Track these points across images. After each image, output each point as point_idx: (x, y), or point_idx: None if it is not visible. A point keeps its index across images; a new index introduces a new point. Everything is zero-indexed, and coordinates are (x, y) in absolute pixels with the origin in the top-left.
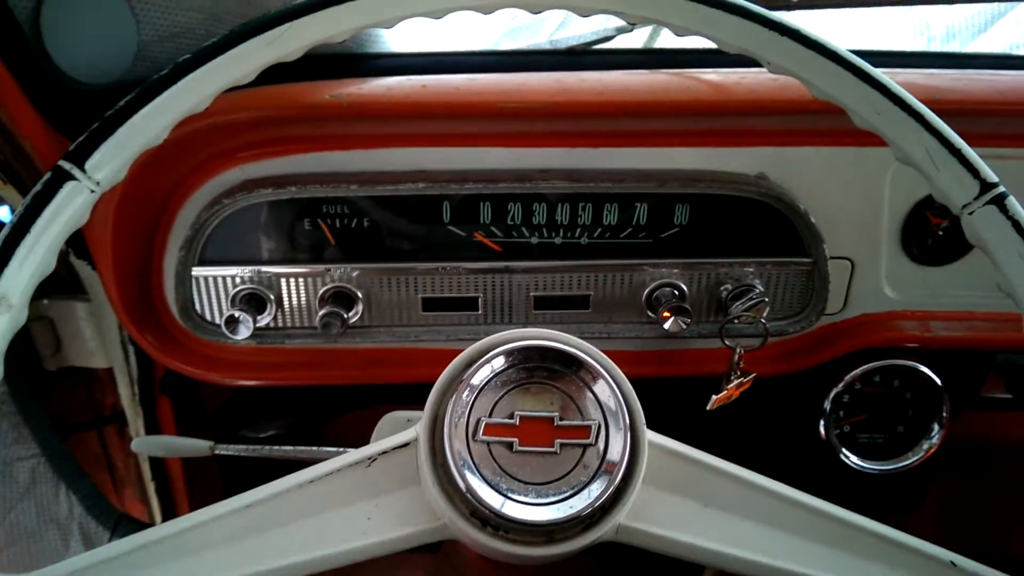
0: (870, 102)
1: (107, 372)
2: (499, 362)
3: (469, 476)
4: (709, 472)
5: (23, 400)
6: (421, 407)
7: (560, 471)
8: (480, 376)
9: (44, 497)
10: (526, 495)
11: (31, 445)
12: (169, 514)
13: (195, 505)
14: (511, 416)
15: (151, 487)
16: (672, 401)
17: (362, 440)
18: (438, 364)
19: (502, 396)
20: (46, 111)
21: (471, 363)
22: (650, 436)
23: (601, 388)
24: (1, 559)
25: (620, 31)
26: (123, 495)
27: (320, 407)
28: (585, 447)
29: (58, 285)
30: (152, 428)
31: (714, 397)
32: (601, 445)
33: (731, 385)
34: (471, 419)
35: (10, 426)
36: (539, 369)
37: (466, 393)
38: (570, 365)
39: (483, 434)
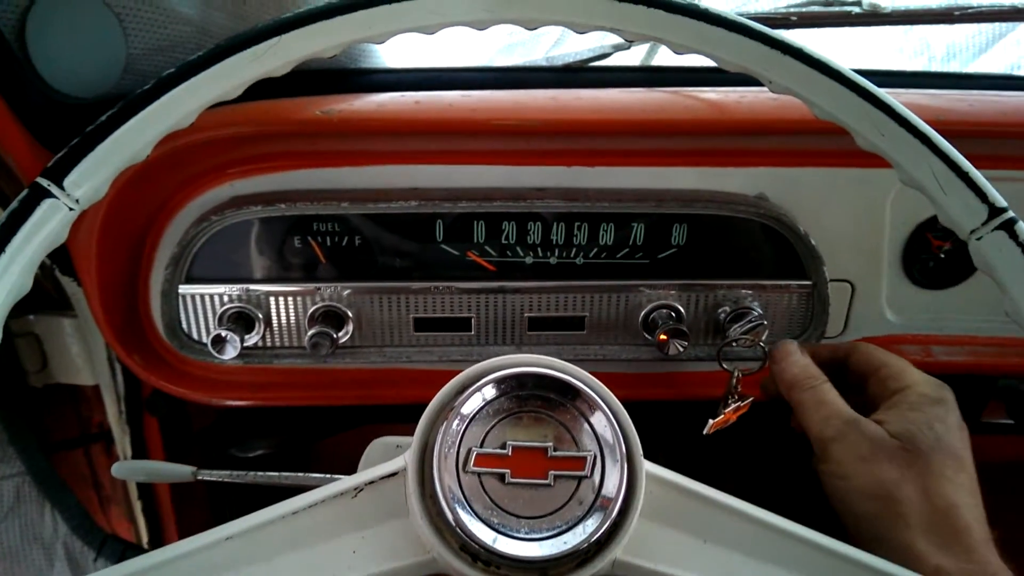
0: (874, 123)
1: (94, 390)
2: (490, 390)
3: (459, 509)
4: (709, 506)
5: (8, 417)
6: (412, 431)
7: (554, 504)
8: (471, 405)
9: (28, 516)
10: (518, 530)
11: (16, 463)
12: (156, 533)
13: (182, 524)
14: (503, 446)
15: (137, 506)
16: (668, 424)
17: (353, 460)
18: (430, 385)
19: (493, 425)
20: (31, 125)
21: (462, 390)
22: (648, 467)
23: (598, 419)
24: None
25: (617, 48)
26: (109, 514)
27: (310, 426)
28: (580, 479)
29: (45, 301)
30: (139, 446)
31: (711, 421)
32: (597, 477)
33: (728, 409)
34: (461, 449)
35: None
36: (533, 398)
37: (456, 422)
38: (566, 394)
39: (474, 465)
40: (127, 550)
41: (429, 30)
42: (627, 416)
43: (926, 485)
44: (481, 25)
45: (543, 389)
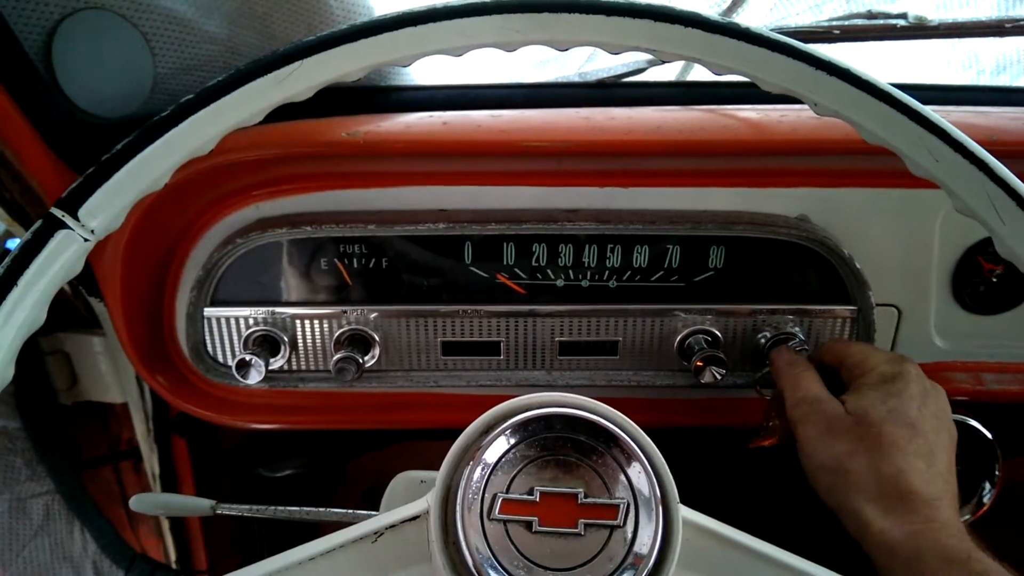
0: (928, 148)
1: (123, 407)
2: (517, 433)
3: (483, 560)
4: (749, 556)
5: (37, 436)
6: (445, 449)
7: (584, 555)
8: (496, 449)
9: (58, 534)
10: None
11: (46, 481)
12: (184, 551)
13: (210, 542)
14: (530, 492)
15: (166, 524)
16: (703, 451)
17: (383, 478)
18: (458, 410)
19: (520, 469)
20: (57, 147)
21: (487, 431)
22: (685, 513)
23: (633, 465)
24: None
25: (652, 63)
26: (138, 532)
27: (337, 446)
28: (612, 528)
29: (74, 318)
30: (167, 464)
31: (755, 438)
32: (630, 528)
33: (762, 437)
34: (486, 495)
35: (24, 462)
36: (562, 440)
37: (482, 465)
38: (598, 437)
39: (499, 512)
40: (156, 571)
41: (456, 52)
42: (663, 461)
43: (875, 455)
44: (510, 47)
45: (574, 431)
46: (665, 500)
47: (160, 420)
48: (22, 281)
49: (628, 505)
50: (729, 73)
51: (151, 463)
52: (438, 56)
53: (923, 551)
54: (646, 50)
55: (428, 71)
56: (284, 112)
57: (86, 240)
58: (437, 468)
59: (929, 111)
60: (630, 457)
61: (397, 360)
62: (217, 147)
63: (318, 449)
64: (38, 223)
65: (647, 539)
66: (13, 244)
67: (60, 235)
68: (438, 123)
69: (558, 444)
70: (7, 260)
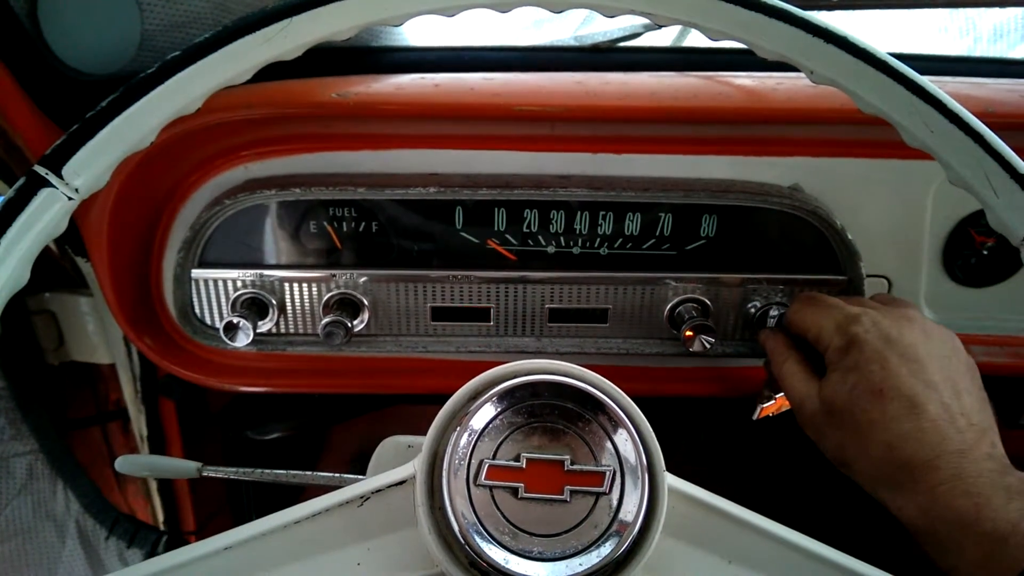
0: (923, 119)
1: (110, 368)
2: (504, 399)
3: (469, 526)
4: (735, 524)
5: (22, 395)
6: (434, 413)
7: (569, 522)
8: (483, 416)
9: (41, 493)
10: (531, 549)
11: (29, 441)
12: (171, 511)
13: (197, 503)
14: (517, 458)
15: (154, 484)
16: (691, 419)
17: (369, 443)
18: (447, 376)
19: (507, 436)
20: (42, 103)
21: (474, 397)
22: (670, 481)
23: (619, 432)
24: None
25: (648, 28)
26: (126, 492)
27: (326, 409)
28: (598, 495)
29: (61, 278)
30: (155, 425)
31: (760, 407)
32: (616, 494)
33: (767, 404)
34: (473, 461)
35: (8, 421)
36: (549, 408)
37: (468, 431)
38: (585, 405)
39: (485, 478)
40: (140, 530)
41: (449, 12)
42: (650, 429)
43: (860, 439)
44: (504, 8)
45: (561, 398)
46: (651, 467)
47: (148, 381)
48: (4, 240)
49: (614, 472)
50: (725, 39)
51: (139, 424)
52: (431, 16)
53: (936, 523)
54: (641, 13)
55: (421, 32)
56: (273, 71)
57: (70, 199)
58: (425, 433)
59: (925, 81)
60: (616, 424)
61: (386, 325)
62: (205, 106)
63: (306, 413)
64: (21, 180)
65: (632, 506)
66: None
67: (43, 193)
68: (430, 85)
69: (545, 411)
70: None
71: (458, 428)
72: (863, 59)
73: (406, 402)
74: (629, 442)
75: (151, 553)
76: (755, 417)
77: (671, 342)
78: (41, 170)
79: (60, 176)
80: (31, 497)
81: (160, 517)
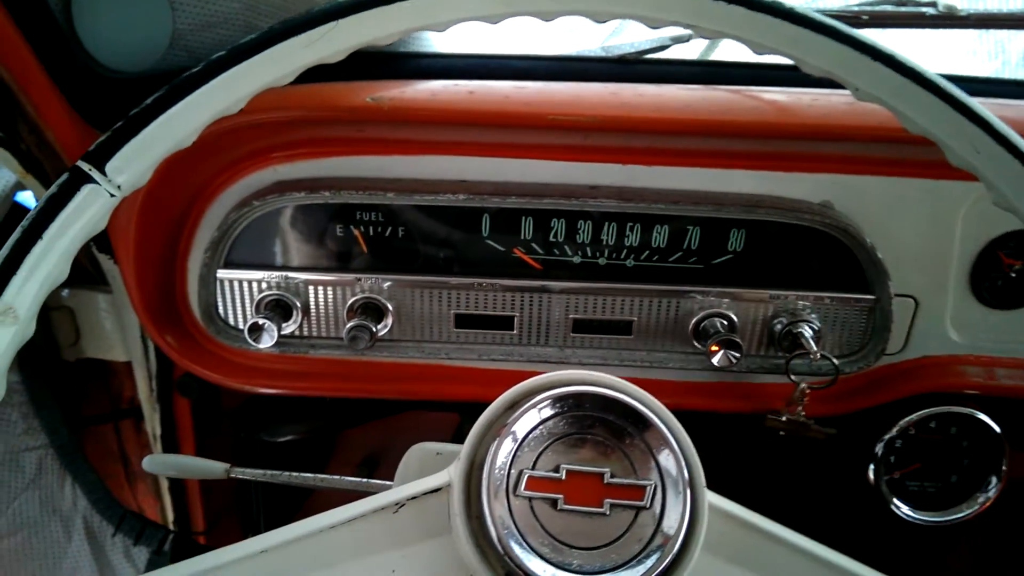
0: (970, 140)
1: (126, 366)
2: (547, 409)
3: (507, 535)
4: (773, 542)
5: (35, 390)
6: (444, 421)
7: (609, 536)
8: (525, 423)
9: (49, 488)
10: (570, 562)
11: (40, 436)
12: (181, 511)
13: (208, 504)
14: (556, 470)
15: (164, 483)
16: (716, 435)
17: (378, 451)
18: (468, 383)
19: (547, 447)
20: (74, 99)
21: (513, 405)
22: (710, 498)
23: (662, 448)
24: (0, 548)
25: (676, 41)
26: (136, 490)
27: (340, 414)
28: (638, 510)
29: (80, 275)
30: (168, 425)
31: (770, 416)
32: (657, 510)
33: (791, 417)
34: (512, 470)
35: (20, 415)
36: (591, 419)
37: (508, 440)
38: (626, 417)
39: (525, 488)
40: (146, 527)
41: (493, 19)
42: (691, 445)
43: None
44: (547, 17)
45: (604, 411)
46: (693, 483)
47: (163, 380)
48: (47, 235)
49: (655, 487)
50: (770, 53)
51: (152, 423)
52: (474, 23)
53: None
54: (686, 25)
55: (448, 39)
56: (306, 75)
57: (112, 196)
58: (437, 439)
59: (974, 102)
60: (660, 440)
61: (409, 331)
62: None
63: (319, 416)
64: (64, 176)
65: (674, 522)
66: (22, 198)
67: (86, 189)
68: (464, 92)
69: (587, 423)
70: (32, 212)
71: (497, 437)
72: (911, 78)
73: (419, 409)
74: (671, 458)
75: (157, 551)
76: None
77: (695, 356)
78: (85, 166)
79: (103, 173)
80: (39, 492)
81: (170, 516)
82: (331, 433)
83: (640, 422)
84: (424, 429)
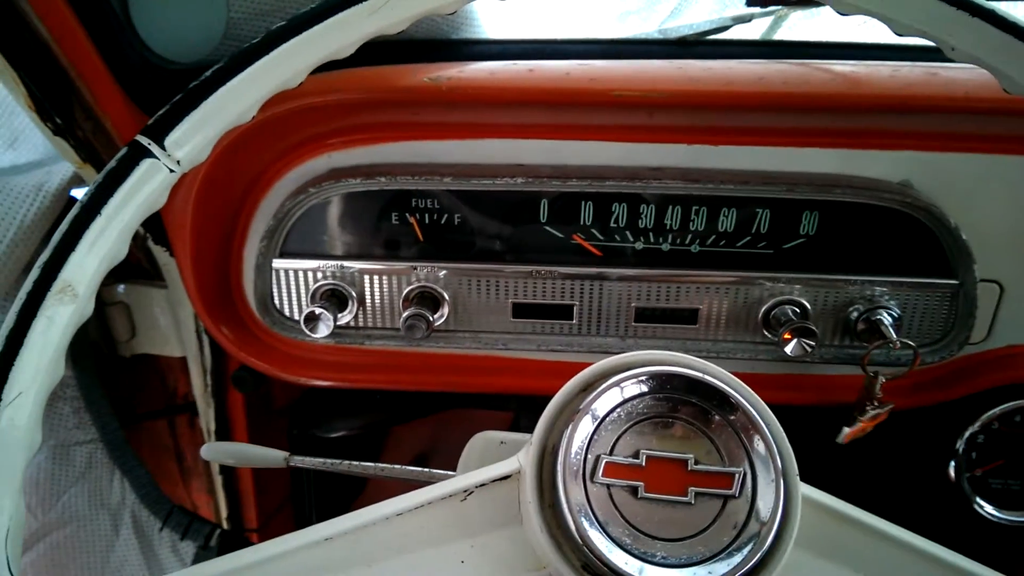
0: None
1: (180, 361)
2: (631, 388)
3: (585, 524)
4: (867, 534)
5: (87, 385)
6: (496, 419)
7: (695, 526)
8: (602, 405)
9: (98, 482)
10: (653, 554)
11: (91, 430)
12: (235, 508)
13: (262, 501)
14: (636, 455)
15: (219, 480)
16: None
17: (429, 447)
18: (526, 375)
19: (624, 431)
20: (129, 88)
21: (586, 388)
22: (803, 490)
23: (751, 433)
24: (49, 540)
25: (737, 21)
26: (190, 486)
27: (393, 409)
28: (726, 499)
29: (136, 270)
30: (222, 421)
31: (846, 430)
32: (746, 499)
33: (865, 417)
34: (589, 455)
35: (72, 410)
36: (675, 403)
37: (587, 420)
38: (711, 400)
39: (603, 475)
40: (194, 522)
41: None
42: (782, 430)
43: None
44: None
45: (687, 392)
46: (785, 472)
47: (218, 376)
48: (106, 210)
49: (745, 475)
50: (856, 12)
51: (207, 418)
52: None
53: None
54: None
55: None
56: (360, 57)
57: (171, 171)
58: None
59: None
60: (750, 425)
61: (466, 320)
62: (294, 91)
63: (372, 411)
64: (123, 150)
65: (766, 513)
66: (78, 194)
67: (146, 163)
68: (524, 70)
69: (669, 405)
70: (91, 187)
71: (571, 421)
72: (1013, 34)
73: (473, 403)
74: (762, 444)
75: (204, 546)
76: (840, 440)
77: (764, 346)
78: (144, 140)
79: (163, 147)
80: (88, 485)
81: (224, 513)
82: (383, 429)
83: (727, 405)
84: (475, 426)
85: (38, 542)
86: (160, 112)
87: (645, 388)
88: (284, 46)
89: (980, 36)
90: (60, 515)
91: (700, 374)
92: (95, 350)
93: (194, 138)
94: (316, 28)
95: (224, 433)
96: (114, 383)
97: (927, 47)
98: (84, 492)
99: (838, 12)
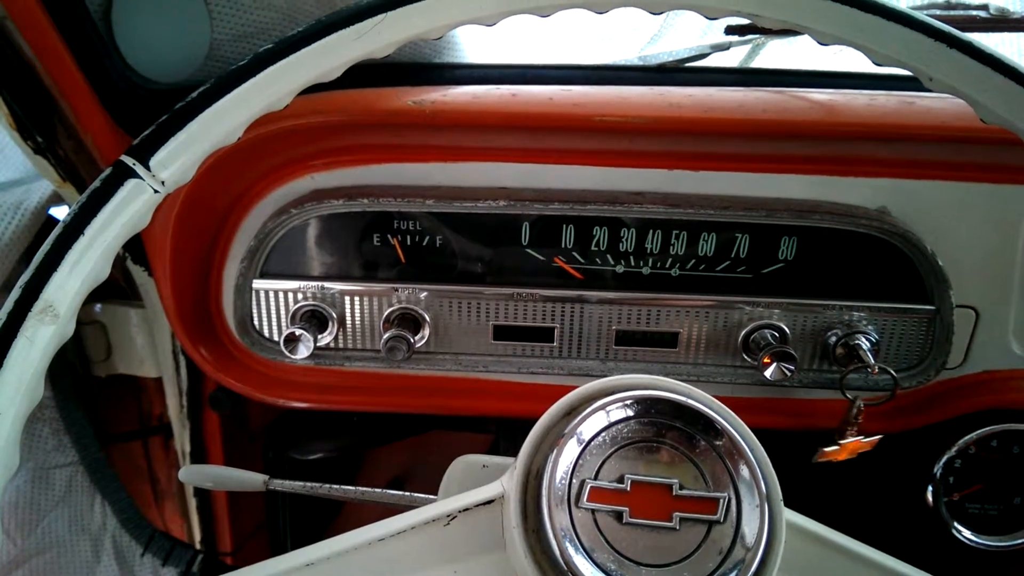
0: None
1: (156, 382)
2: (616, 412)
3: (570, 549)
4: (849, 560)
5: (66, 406)
6: (475, 442)
7: (679, 552)
8: (586, 430)
9: (78, 507)
10: None
11: (70, 453)
12: (208, 532)
13: (236, 525)
14: (621, 480)
15: (192, 503)
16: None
17: (405, 470)
18: (506, 398)
19: (610, 455)
20: (112, 108)
21: (571, 412)
22: (787, 515)
23: (739, 464)
24: (29, 567)
25: (715, 48)
26: (163, 508)
27: (371, 431)
28: (711, 524)
29: (112, 289)
30: (198, 442)
31: (822, 449)
32: (730, 525)
33: (846, 441)
34: (574, 480)
35: (51, 432)
36: (659, 428)
37: (570, 446)
38: (696, 424)
39: (588, 499)
40: (175, 547)
41: (544, 12)
42: (766, 456)
43: None
44: (600, 8)
45: (672, 417)
46: (770, 497)
47: (194, 397)
48: (89, 230)
49: (730, 500)
50: (836, 43)
51: (182, 440)
52: (524, 16)
53: None
54: (747, 15)
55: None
56: (340, 81)
57: (156, 191)
58: None
59: None
60: (735, 452)
61: (447, 343)
62: (277, 113)
63: (350, 433)
64: (107, 170)
65: (751, 538)
66: (57, 213)
67: (130, 184)
68: (507, 95)
69: (653, 430)
70: (74, 207)
71: (556, 445)
72: (991, 66)
73: (453, 425)
74: (747, 470)
75: (186, 572)
76: (814, 460)
77: (744, 370)
78: (129, 160)
79: (147, 167)
80: (69, 510)
81: (197, 536)
82: (360, 451)
83: (712, 431)
84: (453, 448)
85: (17, 568)
86: (146, 132)
87: (631, 412)
88: (271, 68)
89: (958, 67)
90: (40, 540)
91: (686, 399)
92: (70, 370)
93: (179, 159)
94: (303, 51)
95: (199, 455)
96: (88, 403)
97: (903, 76)
98: (64, 516)
99: (818, 42)
